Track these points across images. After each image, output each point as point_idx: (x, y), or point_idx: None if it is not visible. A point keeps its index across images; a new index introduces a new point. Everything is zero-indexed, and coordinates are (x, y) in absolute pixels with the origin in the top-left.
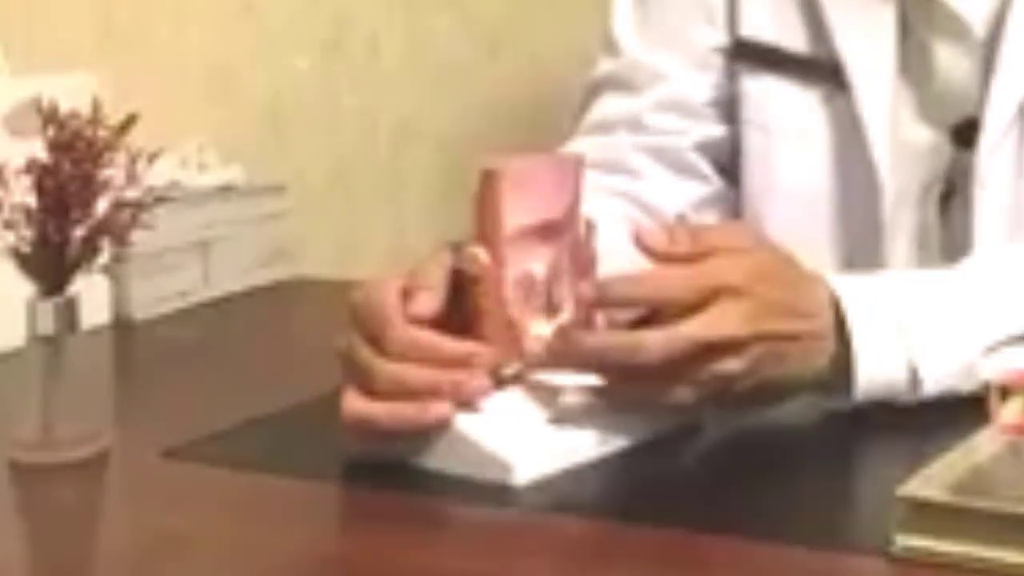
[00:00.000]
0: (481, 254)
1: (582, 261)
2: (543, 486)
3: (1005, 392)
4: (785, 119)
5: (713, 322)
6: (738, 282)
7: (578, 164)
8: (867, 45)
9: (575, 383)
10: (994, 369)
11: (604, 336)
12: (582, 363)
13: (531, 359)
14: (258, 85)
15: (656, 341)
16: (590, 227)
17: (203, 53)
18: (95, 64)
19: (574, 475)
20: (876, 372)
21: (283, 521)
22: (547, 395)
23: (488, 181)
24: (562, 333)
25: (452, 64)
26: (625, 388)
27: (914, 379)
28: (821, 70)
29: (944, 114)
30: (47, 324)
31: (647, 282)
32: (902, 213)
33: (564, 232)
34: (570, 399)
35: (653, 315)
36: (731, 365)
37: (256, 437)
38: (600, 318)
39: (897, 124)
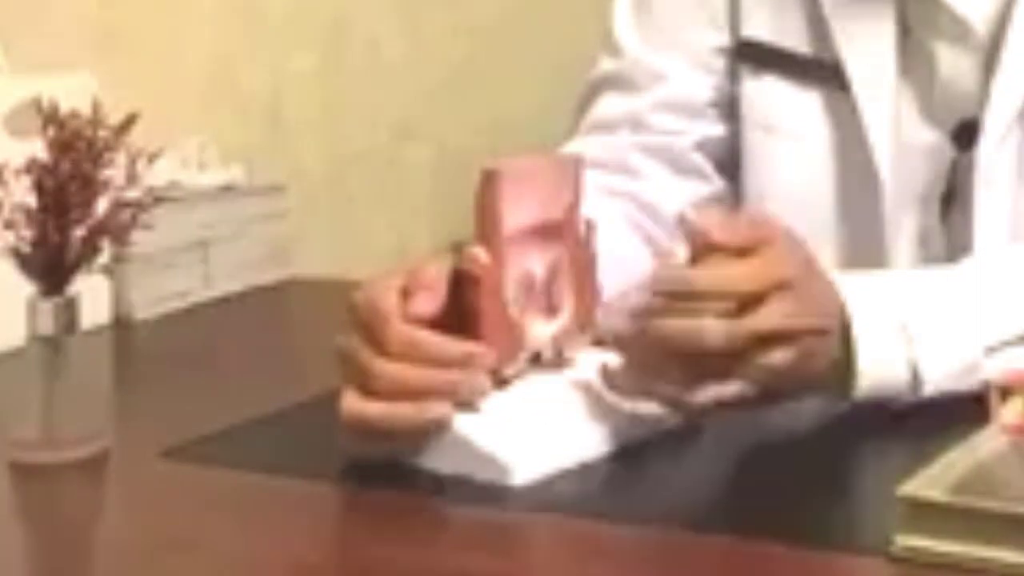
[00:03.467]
0: (481, 254)
1: (582, 261)
2: (541, 486)
3: (1005, 392)
4: (786, 120)
5: (773, 314)
6: (791, 275)
7: (578, 164)
8: (868, 46)
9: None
10: (996, 369)
11: (669, 320)
12: (644, 345)
13: (600, 331)
14: (258, 85)
15: (720, 329)
16: (590, 227)
17: (203, 53)
18: (95, 64)
19: (573, 476)
20: (877, 371)
21: (283, 521)
22: (546, 395)
23: (488, 181)
24: (626, 314)
25: (452, 64)
26: (672, 380)
27: (915, 379)
28: (822, 71)
29: (945, 115)
30: (47, 324)
31: (713, 275)
32: (904, 214)
33: (564, 232)
34: (570, 398)
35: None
36: (781, 357)
37: (256, 437)
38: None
39: (898, 125)
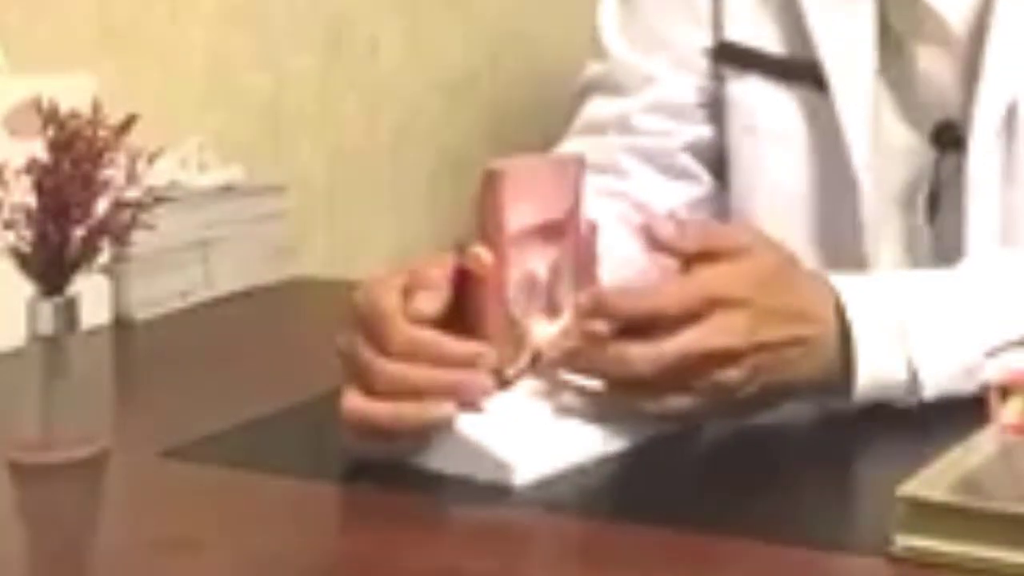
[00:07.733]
0: (483, 254)
1: (584, 262)
2: (543, 486)
3: (1005, 392)
4: (768, 120)
5: (709, 334)
6: (736, 293)
7: (579, 165)
8: (846, 46)
9: (579, 382)
10: (996, 371)
11: (592, 350)
12: (576, 372)
13: (539, 366)
14: (258, 85)
15: (644, 355)
16: (592, 228)
17: (203, 53)
18: (95, 64)
19: (574, 475)
20: (876, 373)
21: (283, 521)
22: (548, 395)
23: (490, 181)
24: (556, 343)
25: (452, 64)
26: (623, 396)
27: (914, 381)
28: (802, 71)
29: (925, 116)
30: (47, 324)
31: (644, 295)
32: (888, 215)
33: (566, 233)
34: (571, 398)
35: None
36: (730, 375)
37: (256, 437)
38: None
39: (878, 125)
